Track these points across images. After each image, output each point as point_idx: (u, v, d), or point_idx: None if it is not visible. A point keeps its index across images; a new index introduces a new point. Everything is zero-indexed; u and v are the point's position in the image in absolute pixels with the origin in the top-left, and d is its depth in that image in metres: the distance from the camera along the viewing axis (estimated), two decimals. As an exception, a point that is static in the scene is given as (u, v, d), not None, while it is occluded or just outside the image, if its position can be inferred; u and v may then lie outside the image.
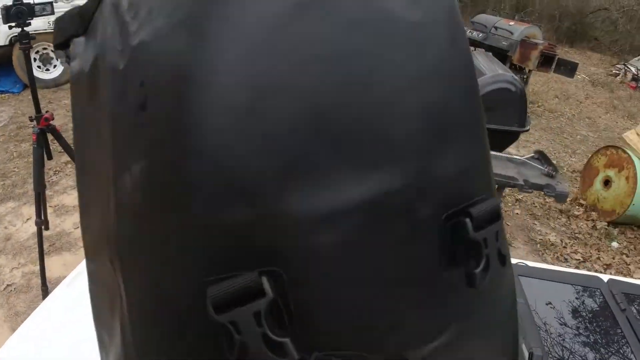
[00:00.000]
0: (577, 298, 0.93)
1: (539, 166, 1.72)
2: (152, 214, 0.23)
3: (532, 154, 1.84)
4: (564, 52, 4.72)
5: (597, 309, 0.89)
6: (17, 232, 2.56)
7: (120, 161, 0.24)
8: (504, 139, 2.19)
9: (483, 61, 2.33)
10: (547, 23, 11.52)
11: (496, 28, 4.88)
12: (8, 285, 2.20)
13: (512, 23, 4.92)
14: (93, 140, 0.28)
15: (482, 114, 0.28)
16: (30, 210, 2.75)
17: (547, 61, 4.70)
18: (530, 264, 1.09)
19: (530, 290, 0.92)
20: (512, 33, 4.71)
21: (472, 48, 5.74)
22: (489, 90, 2.03)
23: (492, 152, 1.49)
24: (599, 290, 0.93)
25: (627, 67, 9.42)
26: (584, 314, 0.88)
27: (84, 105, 0.28)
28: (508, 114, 2.07)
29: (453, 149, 0.26)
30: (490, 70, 2.12)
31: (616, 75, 9.31)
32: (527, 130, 2.20)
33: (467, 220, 0.24)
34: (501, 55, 4.21)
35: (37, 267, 2.25)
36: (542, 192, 1.52)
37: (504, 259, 0.26)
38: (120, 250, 0.25)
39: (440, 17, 0.25)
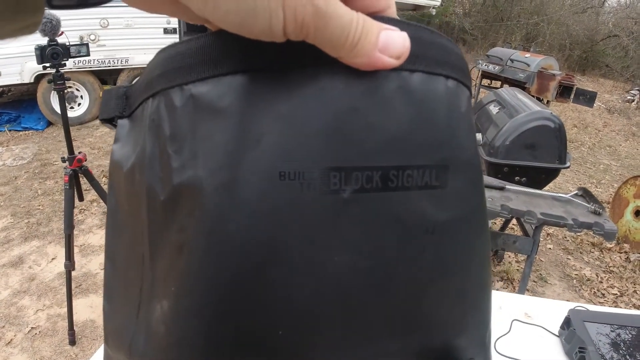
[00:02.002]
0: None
1: (585, 204, 1.66)
2: (174, 351, 0.24)
3: (576, 192, 1.78)
4: (576, 81, 4.72)
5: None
6: (42, 272, 2.54)
7: (154, 286, 0.25)
8: (545, 177, 2.14)
9: (514, 98, 2.30)
10: (558, 52, 11.64)
11: (512, 60, 4.92)
12: (32, 328, 2.16)
13: (527, 55, 4.95)
14: (127, 234, 0.27)
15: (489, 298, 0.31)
16: (55, 249, 2.74)
17: (565, 91, 4.71)
18: (590, 307, 1.07)
19: (596, 335, 0.93)
20: (528, 65, 4.74)
21: (488, 81, 5.79)
22: (528, 128, 2.00)
23: (537, 191, 1.44)
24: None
25: (642, 93, 9.39)
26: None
27: (119, 195, 0.27)
28: (548, 151, 2.03)
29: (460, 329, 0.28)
30: (524, 108, 2.10)
31: (631, 101, 9.28)
32: (568, 167, 2.15)
33: None
34: (518, 87, 4.23)
35: (63, 310, 2.22)
36: (591, 231, 1.47)
37: None
38: None
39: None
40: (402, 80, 0.22)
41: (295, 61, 0.21)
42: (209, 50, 0.22)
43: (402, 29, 0.21)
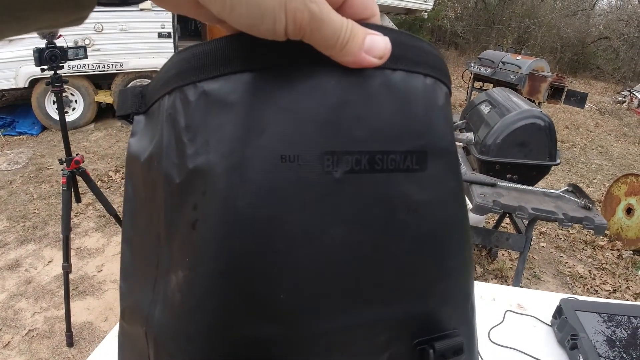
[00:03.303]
0: (633, 327, 0.95)
1: (575, 199, 1.70)
2: (188, 316, 0.26)
3: (566, 187, 1.82)
4: (567, 83, 4.79)
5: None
6: (39, 275, 2.54)
7: (169, 260, 0.27)
8: (536, 174, 2.19)
9: (505, 98, 2.36)
10: (549, 55, 11.76)
11: (504, 63, 4.97)
12: (30, 330, 2.16)
13: (519, 57, 5.01)
14: (143, 218, 0.29)
15: (471, 265, 0.33)
16: (51, 252, 2.74)
17: (556, 93, 4.76)
18: (580, 298, 1.10)
19: (587, 323, 0.95)
20: (520, 67, 4.80)
21: (480, 83, 5.84)
22: (518, 126, 2.04)
23: (528, 188, 1.48)
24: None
25: (633, 93, 9.52)
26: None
27: (136, 183, 0.30)
28: (539, 149, 2.07)
29: (438, 296, 0.30)
30: (515, 107, 2.14)
31: (622, 102, 9.40)
32: (559, 164, 2.20)
33: (431, 351, 0.29)
34: (510, 89, 4.29)
35: (60, 312, 2.22)
36: (581, 225, 1.50)
37: None
38: (157, 334, 0.28)
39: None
40: (385, 78, 0.26)
41: (294, 61, 0.24)
42: (218, 52, 0.25)
43: (384, 34, 0.25)
